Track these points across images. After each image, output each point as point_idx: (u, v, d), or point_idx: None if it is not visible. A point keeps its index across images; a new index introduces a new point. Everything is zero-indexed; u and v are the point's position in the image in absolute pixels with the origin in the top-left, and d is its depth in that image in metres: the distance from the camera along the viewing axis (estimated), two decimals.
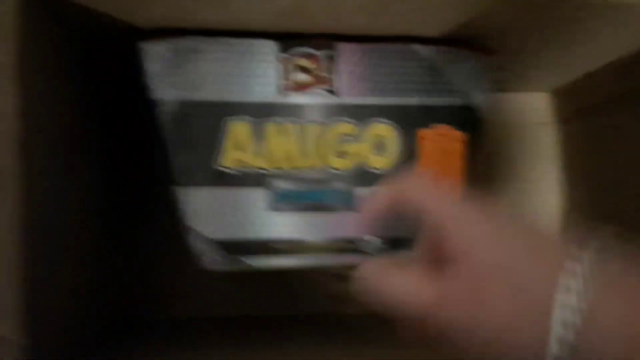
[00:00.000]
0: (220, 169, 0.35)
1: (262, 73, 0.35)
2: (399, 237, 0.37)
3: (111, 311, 0.43)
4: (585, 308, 0.19)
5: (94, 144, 0.41)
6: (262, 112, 0.35)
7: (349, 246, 0.37)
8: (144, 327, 0.46)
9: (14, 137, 0.28)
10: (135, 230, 0.48)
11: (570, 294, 0.19)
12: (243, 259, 0.35)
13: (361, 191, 0.37)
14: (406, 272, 0.24)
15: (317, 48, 0.36)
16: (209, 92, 0.35)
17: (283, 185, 0.36)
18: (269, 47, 0.36)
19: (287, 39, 0.36)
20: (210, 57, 0.35)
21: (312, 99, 0.36)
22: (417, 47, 0.37)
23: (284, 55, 0.36)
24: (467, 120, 0.38)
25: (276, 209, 0.36)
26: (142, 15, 0.33)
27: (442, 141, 0.37)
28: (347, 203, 0.36)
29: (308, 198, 0.36)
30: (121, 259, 0.47)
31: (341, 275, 0.47)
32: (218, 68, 0.35)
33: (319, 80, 0.36)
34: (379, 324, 0.50)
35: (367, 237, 0.37)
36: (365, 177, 0.37)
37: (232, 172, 0.35)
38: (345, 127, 0.36)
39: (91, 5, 0.32)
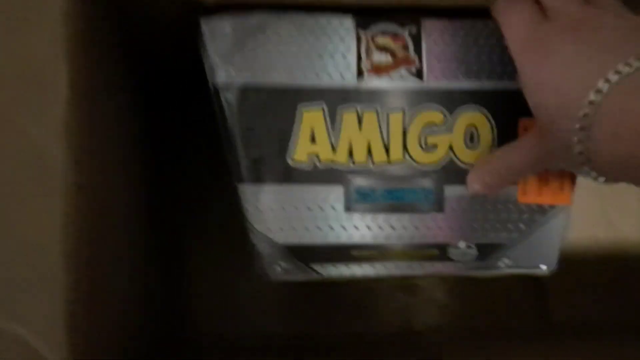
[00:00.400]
0: (292, 164, 0.30)
1: (339, 53, 0.31)
2: (493, 244, 0.32)
3: (160, 327, 0.39)
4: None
5: (146, 136, 0.36)
6: (338, 99, 0.31)
7: (437, 253, 0.31)
8: (195, 345, 0.41)
9: (64, 130, 0.24)
10: (188, 234, 0.44)
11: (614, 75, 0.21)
12: (315, 267, 0.30)
13: (451, 190, 0.31)
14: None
15: (401, 24, 0.31)
16: (279, 76, 0.30)
17: (362, 182, 0.31)
18: (346, 24, 0.31)
19: (366, 15, 0.31)
20: (280, 36, 0.31)
21: (395, 83, 0.31)
22: None
23: (363, 32, 0.31)
24: None
25: (354, 209, 0.31)
26: None
27: None
28: (435, 203, 0.31)
29: (390, 197, 0.31)
30: (172, 268, 0.42)
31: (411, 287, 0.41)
32: (289, 48, 0.31)
33: (403, 61, 0.31)
34: (450, 340, 0.44)
35: (458, 243, 0.31)
36: (456, 173, 0.31)
37: (305, 167, 0.30)
38: (433, 115, 0.31)
39: None
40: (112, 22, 0.31)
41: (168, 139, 0.42)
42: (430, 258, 0.31)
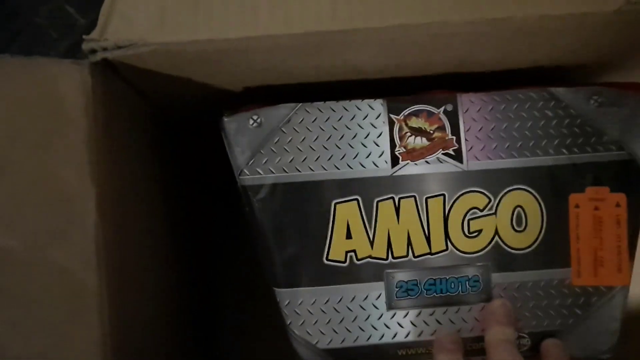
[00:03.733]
0: (328, 262, 0.29)
1: (371, 141, 0.29)
2: (547, 331, 0.30)
3: None
4: None
5: (177, 238, 0.35)
6: (373, 189, 0.29)
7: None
8: None
9: (94, 246, 0.23)
10: (228, 345, 0.43)
11: None
12: None
13: (499, 277, 0.29)
14: None
15: (435, 104, 0.29)
16: (309, 171, 0.29)
17: (404, 276, 0.29)
18: (377, 109, 0.29)
19: (397, 96, 0.30)
20: (307, 128, 0.29)
21: (432, 168, 0.29)
22: (560, 91, 0.29)
23: (395, 116, 0.29)
24: (629, 178, 0.30)
25: (396, 306, 0.29)
26: (235, 78, 0.28)
27: (600, 207, 0.29)
28: (483, 293, 0.29)
29: (435, 290, 0.29)
30: (205, 341, 0.41)
31: None
32: (318, 140, 0.29)
33: (440, 144, 0.29)
34: None
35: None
36: (503, 259, 0.29)
37: (342, 265, 0.29)
38: (476, 198, 0.29)
39: (178, 74, 0.26)
40: (143, 119, 0.30)
41: (205, 244, 0.41)
42: (481, 352, 0.29)
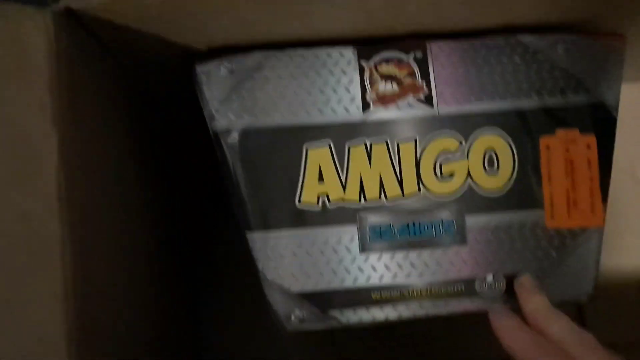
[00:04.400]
0: (301, 206, 0.29)
1: (342, 87, 0.29)
2: (524, 273, 0.30)
3: None
4: None
5: (148, 189, 0.35)
6: (345, 134, 0.29)
7: (463, 289, 0.29)
8: None
9: (56, 191, 0.23)
10: (199, 288, 0.42)
11: None
12: (333, 313, 0.29)
13: (472, 220, 0.29)
14: None
15: (405, 51, 0.30)
16: (281, 116, 0.29)
17: (376, 219, 0.29)
18: (347, 55, 0.30)
19: (368, 44, 0.30)
20: (279, 75, 0.29)
21: (403, 113, 0.30)
22: (527, 38, 0.30)
23: (366, 62, 0.30)
24: (598, 120, 0.30)
25: (370, 249, 0.29)
26: (200, 34, 0.28)
27: (571, 149, 0.30)
28: (457, 235, 0.29)
29: (408, 233, 0.29)
30: (184, 323, 0.41)
31: None
32: (289, 86, 0.29)
33: (410, 89, 0.30)
34: None
35: (485, 277, 0.29)
36: (476, 201, 0.29)
37: (315, 209, 0.29)
38: (447, 142, 0.29)
39: (142, 28, 0.27)
40: (109, 74, 0.30)
41: (176, 188, 0.41)
42: (456, 295, 0.29)
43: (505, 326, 0.27)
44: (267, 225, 0.29)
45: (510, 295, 0.29)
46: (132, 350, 0.29)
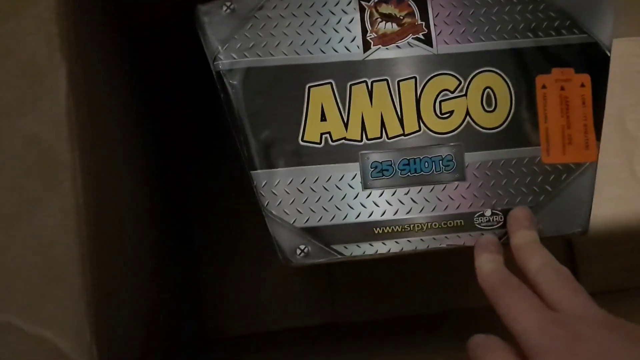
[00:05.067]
0: (304, 144, 0.29)
1: (343, 27, 0.30)
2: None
3: (177, 325, 0.38)
4: None
5: (149, 128, 0.36)
6: (347, 73, 0.30)
7: (463, 224, 0.30)
8: (215, 343, 0.41)
9: (64, 99, 0.23)
10: (202, 227, 0.43)
11: None
12: (336, 248, 0.30)
13: (471, 157, 0.30)
14: None
15: None
16: (283, 56, 0.29)
17: (378, 157, 0.30)
18: None
19: None
20: (280, 14, 0.29)
21: (403, 52, 0.30)
22: None
23: (366, 3, 0.30)
24: (592, 59, 0.31)
25: (372, 185, 0.30)
26: None
27: (566, 88, 0.30)
28: (456, 172, 0.30)
29: (408, 170, 0.30)
30: (187, 263, 0.42)
31: None
32: (291, 26, 0.30)
33: (410, 29, 0.30)
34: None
35: (484, 211, 0.30)
36: (475, 139, 0.30)
37: (318, 147, 0.29)
38: (446, 80, 0.30)
39: None
40: (111, 12, 0.30)
41: (175, 128, 0.41)
42: (456, 229, 0.30)
43: (480, 260, 0.27)
44: (271, 163, 0.29)
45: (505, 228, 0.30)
46: (136, 270, 0.29)
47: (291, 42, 0.29)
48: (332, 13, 0.30)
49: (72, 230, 0.23)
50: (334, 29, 0.30)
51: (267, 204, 0.29)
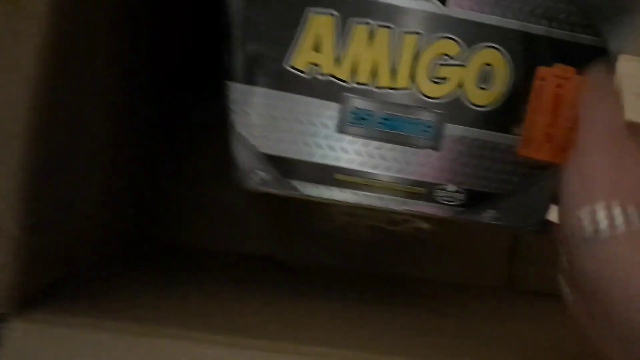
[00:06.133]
0: (290, 69, 0.28)
1: None
2: (483, 192, 0.30)
3: (124, 228, 0.37)
4: None
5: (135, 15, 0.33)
6: (352, 8, 0.28)
7: (424, 192, 0.30)
8: (157, 252, 0.40)
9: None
10: (168, 131, 0.41)
11: None
12: (295, 183, 0.29)
13: (451, 129, 0.29)
14: None
15: None
16: None
17: (360, 104, 0.29)
18: None
19: None
20: None
21: (414, 3, 0.28)
22: None
23: None
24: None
25: (346, 131, 0.29)
26: None
27: (563, 86, 0.30)
28: (433, 140, 0.29)
29: (387, 125, 0.29)
30: (146, 164, 0.40)
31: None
32: None
33: None
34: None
35: (447, 186, 0.30)
36: (461, 112, 0.29)
37: (303, 76, 0.28)
38: (449, 45, 0.29)
39: None
40: None
41: (169, 28, 0.39)
42: (416, 196, 0.30)
43: None
44: (250, 79, 0.28)
45: (465, 209, 0.30)
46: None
47: None
48: None
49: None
50: None
51: (234, 120, 0.28)
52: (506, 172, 0.30)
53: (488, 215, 0.31)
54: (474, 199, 0.30)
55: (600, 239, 0.20)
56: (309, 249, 0.45)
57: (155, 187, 0.42)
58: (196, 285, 0.34)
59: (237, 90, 0.28)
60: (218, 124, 0.28)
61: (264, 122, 0.28)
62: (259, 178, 0.28)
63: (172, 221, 0.43)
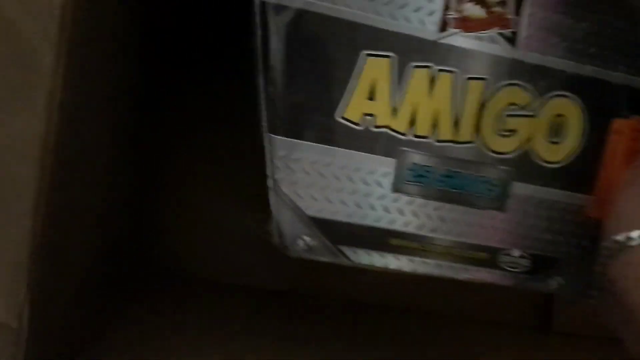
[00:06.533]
0: (341, 121, 0.24)
1: None
2: (549, 257, 0.27)
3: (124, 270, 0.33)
4: None
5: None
6: (412, 51, 0.24)
7: (486, 258, 0.26)
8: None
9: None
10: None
11: None
12: (344, 249, 0.25)
13: (518, 187, 0.26)
14: None
15: None
16: (347, 7, 0.24)
17: (420, 159, 0.25)
18: None
19: None
20: None
21: (482, 46, 0.25)
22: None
23: None
24: None
25: (403, 190, 0.25)
26: None
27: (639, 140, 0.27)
28: (498, 200, 0.26)
29: (448, 183, 0.26)
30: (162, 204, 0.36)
31: None
32: None
33: (498, 21, 0.25)
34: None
35: (512, 250, 0.26)
36: (529, 169, 0.26)
37: (356, 128, 0.24)
38: (518, 94, 0.25)
39: None
40: None
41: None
42: (478, 262, 0.26)
43: None
44: (297, 133, 0.24)
45: (530, 276, 0.27)
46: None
47: None
48: None
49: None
50: None
51: (278, 178, 0.24)
52: (576, 235, 0.27)
53: (554, 283, 0.27)
54: (540, 265, 0.27)
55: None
56: (328, 281, 0.41)
57: (160, 217, 0.39)
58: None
59: (281, 144, 0.24)
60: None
61: (311, 180, 0.24)
62: (304, 244, 0.25)
63: (180, 252, 0.40)
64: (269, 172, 0.24)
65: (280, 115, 0.24)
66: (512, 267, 0.27)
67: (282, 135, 0.24)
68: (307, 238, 0.24)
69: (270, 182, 0.24)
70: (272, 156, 0.24)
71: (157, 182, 0.39)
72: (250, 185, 0.25)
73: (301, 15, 0.24)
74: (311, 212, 0.24)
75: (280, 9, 0.23)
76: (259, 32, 0.24)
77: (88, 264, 0.27)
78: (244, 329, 0.34)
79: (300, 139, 0.24)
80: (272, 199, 0.24)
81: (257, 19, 0.24)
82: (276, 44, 0.24)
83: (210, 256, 0.40)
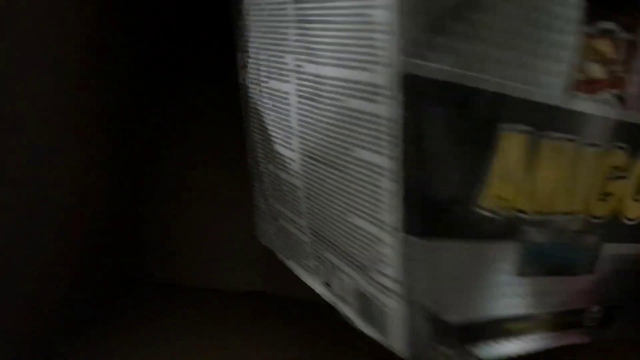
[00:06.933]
0: (478, 210, 0.21)
1: (555, 50, 0.21)
2: (617, 306, 0.28)
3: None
4: None
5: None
6: (541, 121, 0.21)
7: (574, 320, 0.26)
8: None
9: None
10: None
11: None
12: (470, 348, 0.22)
13: (607, 248, 0.25)
14: None
15: (624, 26, 0.23)
16: (485, 75, 0.19)
17: (539, 237, 0.23)
18: (571, 10, 0.21)
19: (596, 2, 0.22)
20: (495, 13, 0.19)
21: (597, 109, 0.23)
22: None
23: (587, 29, 0.21)
24: None
25: (526, 272, 0.23)
26: None
27: None
28: (590, 263, 0.25)
29: (557, 257, 0.24)
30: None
31: None
32: (507, 35, 0.19)
33: (613, 81, 0.23)
34: None
35: (593, 307, 0.26)
36: (616, 229, 0.25)
37: (491, 216, 0.21)
38: (619, 156, 0.24)
39: None
40: None
41: None
42: (568, 325, 0.26)
43: None
44: (434, 231, 0.20)
45: (599, 328, 0.27)
46: None
47: (497, 58, 0.19)
48: (550, 29, 0.20)
49: None
50: (545, 54, 0.21)
51: (408, 284, 0.20)
52: (637, 282, 0.28)
53: (616, 328, 0.28)
54: (609, 315, 0.27)
55: None
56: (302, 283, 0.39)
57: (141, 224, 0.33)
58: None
59: (413, 246, 0.20)
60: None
61: (449, 282, 0.21)
62: (439, 354, 0.21)
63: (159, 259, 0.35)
64: (396, 276, 0.20)
65: (412, 210, 0.19)
66: (590, 323, 0.27)
67: (420, 237, 0.19)
68: (443, 347, 0.21)
69: (398, 285, 0.20)
70: (402, 256, 0.20)
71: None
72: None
73: (446, 88, 0.19)
74: (454, 318, 0.21)
75: (425, 83, 0.18)
76: (407, 114, 0.18)
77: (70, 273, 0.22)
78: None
79: (436, 239, 0.20)
80: (399, 304, 0.20)
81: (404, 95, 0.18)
82: (412, 122, 0.18)
83: (180, 262, 0.37)
